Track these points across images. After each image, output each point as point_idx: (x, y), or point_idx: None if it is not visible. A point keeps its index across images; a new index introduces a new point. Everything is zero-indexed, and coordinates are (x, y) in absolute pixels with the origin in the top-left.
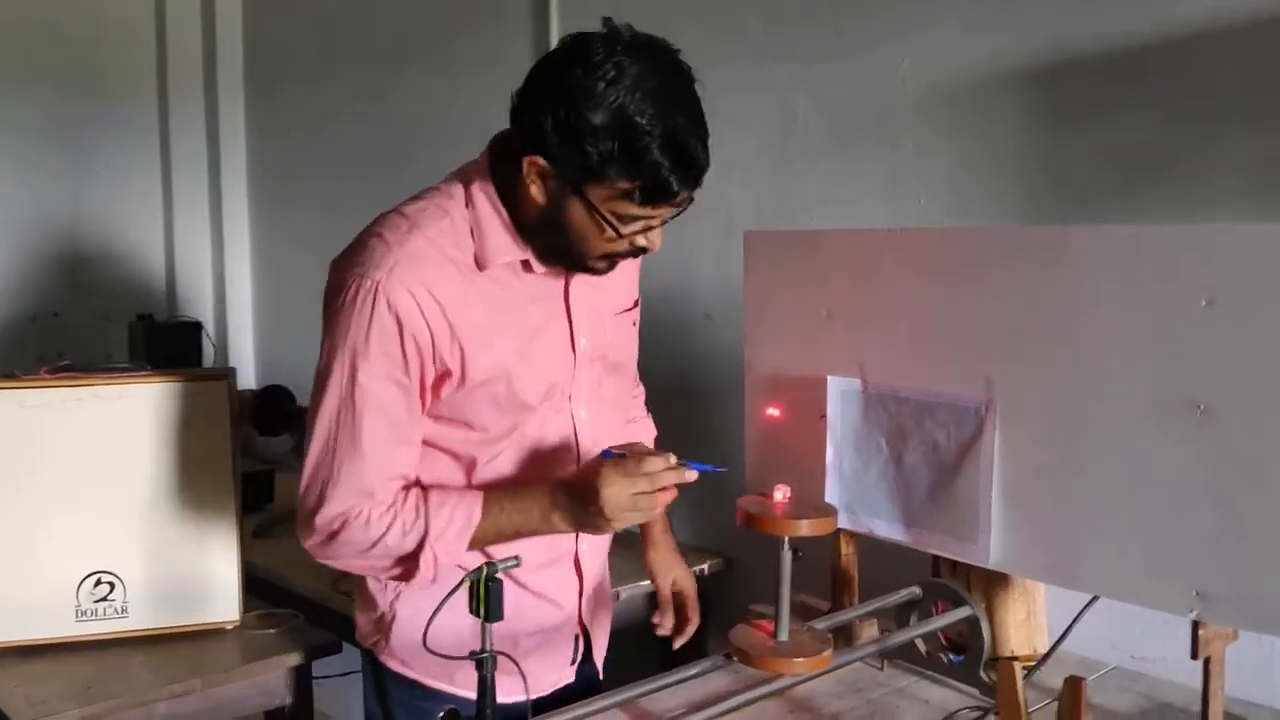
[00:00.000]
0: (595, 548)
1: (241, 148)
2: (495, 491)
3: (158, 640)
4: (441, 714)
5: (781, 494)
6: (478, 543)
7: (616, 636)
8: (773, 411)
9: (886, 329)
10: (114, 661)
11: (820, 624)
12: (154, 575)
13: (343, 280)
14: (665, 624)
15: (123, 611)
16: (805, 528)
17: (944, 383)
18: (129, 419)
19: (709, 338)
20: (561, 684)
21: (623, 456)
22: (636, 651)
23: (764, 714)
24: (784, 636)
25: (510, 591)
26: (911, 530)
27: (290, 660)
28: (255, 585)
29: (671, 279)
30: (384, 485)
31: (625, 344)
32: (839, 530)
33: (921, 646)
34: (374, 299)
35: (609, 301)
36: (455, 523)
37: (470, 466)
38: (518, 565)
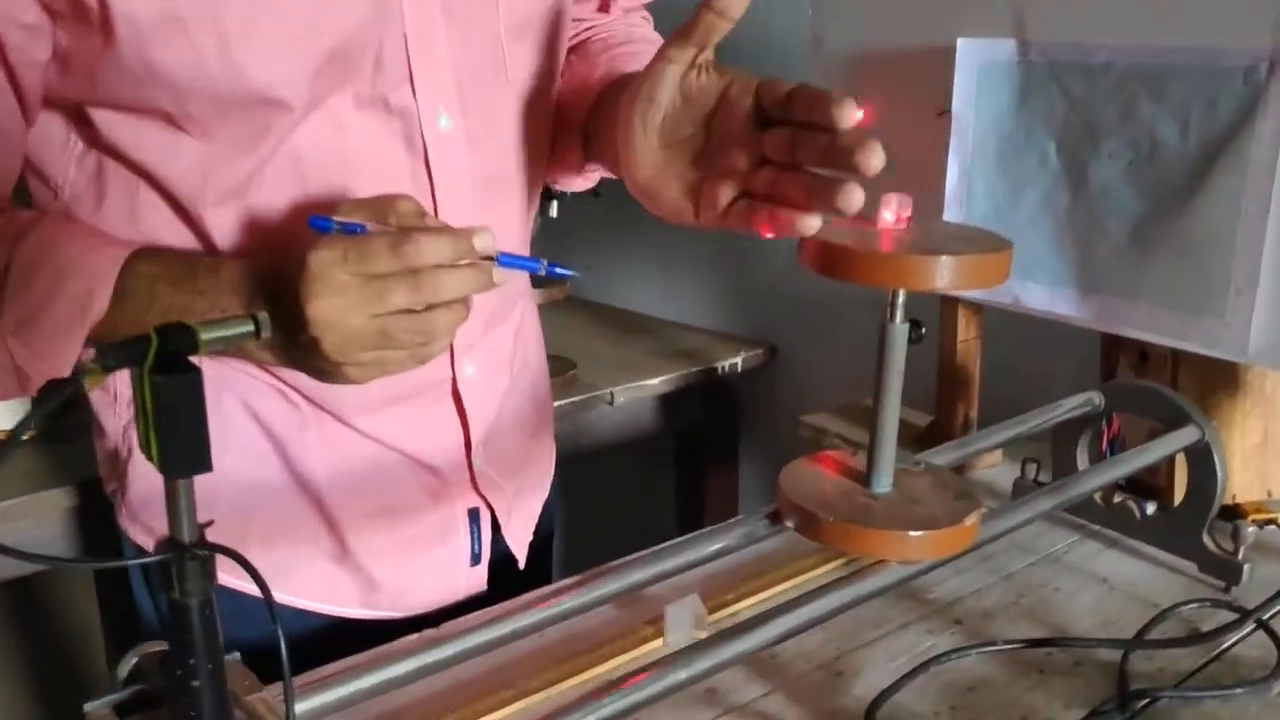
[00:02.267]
0: (493, 362)
1: None
2: (148, 255)
3: None
4: (135, 661)
5: (893, 212)
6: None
7: (598, 474)
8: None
9: None
10: None
11: (931, 457)
12: None
13: None
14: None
15: None
16: (947, 271)
17: (1182, 30)
18: None
19: (755, 24)
20: (459, 597)
21: (355, 231)
22: (638, 496)
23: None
24: (884, 485)
25: (324, 433)
26: (1094, 298)
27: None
28: None
29: None
30: None
31: None
32: (953, 299)
33: (1095, 491)
34: None
35: None
36: (58, 306)
37: (188, 212)
38: (255, 334)
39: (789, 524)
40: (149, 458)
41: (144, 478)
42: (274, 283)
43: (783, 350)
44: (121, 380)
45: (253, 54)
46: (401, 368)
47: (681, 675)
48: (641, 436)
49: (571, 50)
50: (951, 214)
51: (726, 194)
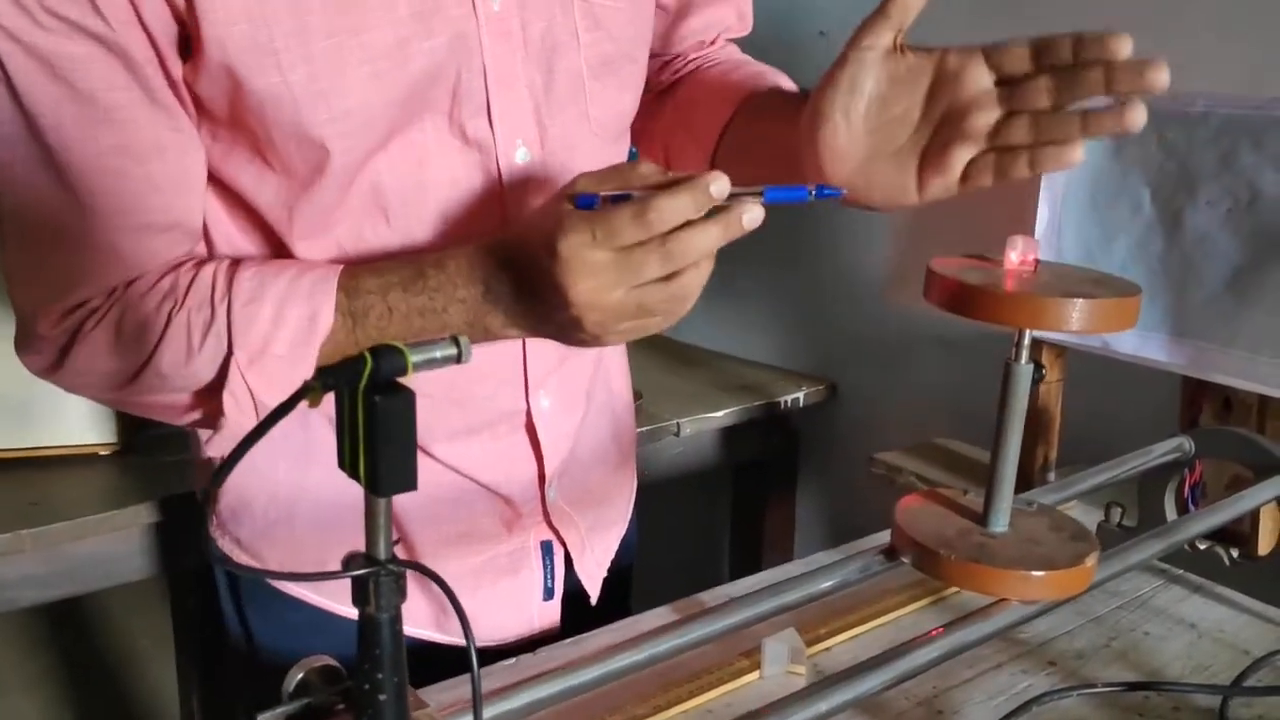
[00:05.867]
0: (569, 394)
1: None
2: (368, 270)
3: None
4: (300, 676)
5: (1019, 255)
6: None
7: (658, 505)
8: None
9: None
10: None
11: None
12: None
13: None
14: None
15: None
16: (1079, 314)
17: None
18: None
19: (824, 62)
20: (532, 632)
21: (618, 200)
22: (694, 528)
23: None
24: (1001, 525)
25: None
26: (1187, 344)
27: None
28: None
29: None
30: (127, 237)
31: (627, 6)
32: (1037, 340)
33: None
34: None
35: None
36: (286, 329)
37: (281, 245)
38: (457, 358)
39: (905, 560)
40: (353, 476)
41: (234, 490)
42: (519, 266)
43: (843, 387)
44: None
45: (338, 85)
46: (659, 329)
47: None
48: (702, 469)
49: (677, 83)
50: (1042, 257)
51: (964, 156)
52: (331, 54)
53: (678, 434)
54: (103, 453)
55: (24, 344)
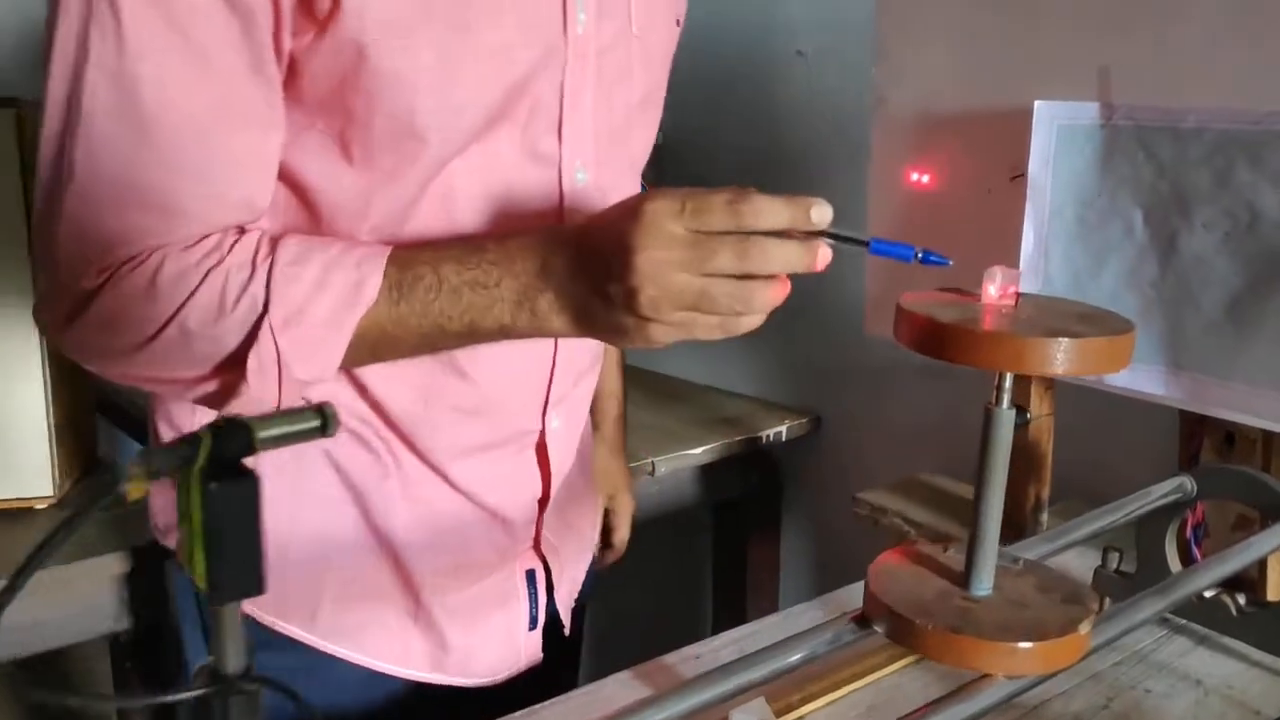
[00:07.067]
0: (574, 416)
1: None
2: (425, 246)
3: None
4: None
5: (998, 287)
6: (374, 348)
7: (633, 544)
8: (920, 177)
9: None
10: None
11: (1019, 551)
12: None
13: None
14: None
15: None
16: (1064, 355)
17: None
18: None
19: (802, 82)
20: (520, 667)
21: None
22: (675, 566)
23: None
24: (984, 588)
25: (405, 483)
26: (1184, 376)
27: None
28: (110, 429)
29: (747, 2)
30: (197, 203)
31: (664, 50)
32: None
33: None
34: None
35: None
36: (328, 294)
37: (336, 231)
38: (322, 430)
39: (878, 629)
40: (190, 575)
41: None
42: (589, 234)
43: (827, 420)
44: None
45: (455, 76)
46: (708, 335)
47: None
48: (681, 509)
49: None
50: (1028, 284)
51: None
52: (454, 45)
53: (653, 473)
54: (38, 506)
55: (48, 298)
